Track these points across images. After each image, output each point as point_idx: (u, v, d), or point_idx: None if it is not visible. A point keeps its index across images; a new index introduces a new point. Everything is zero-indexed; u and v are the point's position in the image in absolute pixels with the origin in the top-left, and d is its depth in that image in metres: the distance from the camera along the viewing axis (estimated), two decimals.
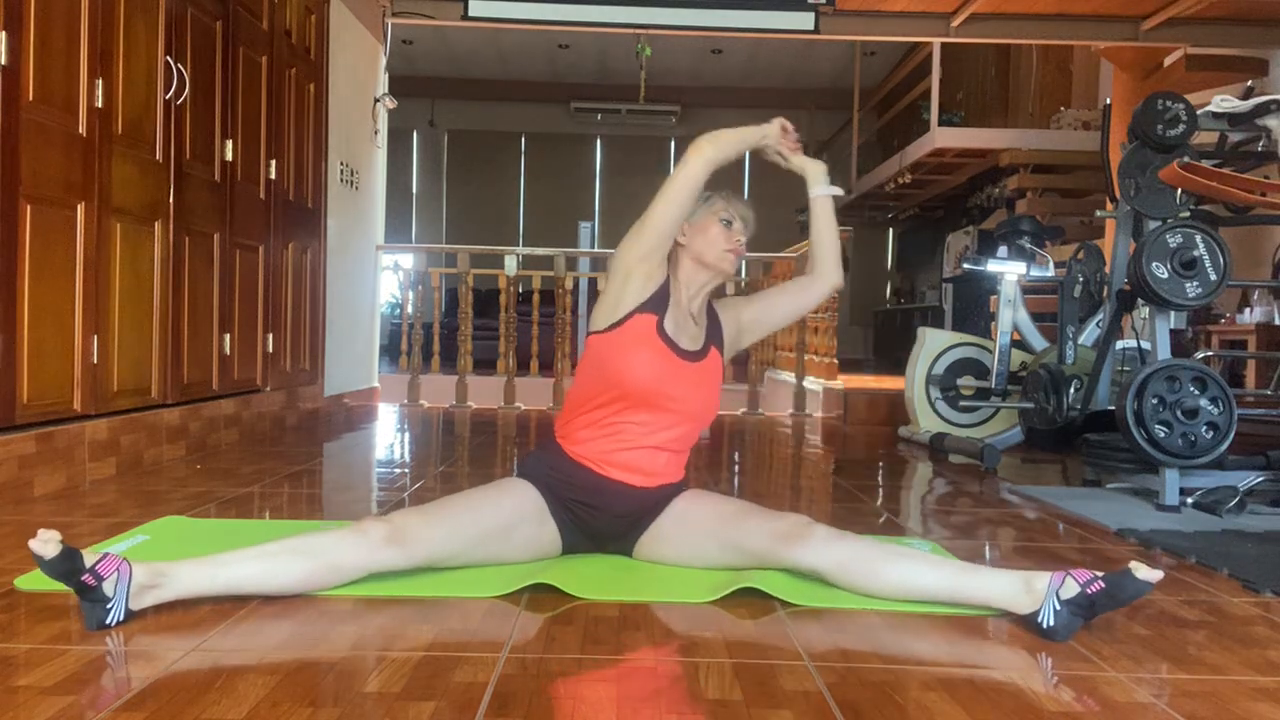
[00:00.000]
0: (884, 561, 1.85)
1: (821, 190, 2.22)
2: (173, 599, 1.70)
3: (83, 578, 1.58)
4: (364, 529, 1.84)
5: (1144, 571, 1.69)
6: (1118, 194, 3.49)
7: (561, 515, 2.04)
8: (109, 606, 1.61)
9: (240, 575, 1.74)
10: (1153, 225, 3.26)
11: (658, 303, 2.04)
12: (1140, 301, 3.35)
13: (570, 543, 2.08)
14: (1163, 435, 3.06)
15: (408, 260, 7.24)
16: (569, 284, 6.90)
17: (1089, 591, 1.69)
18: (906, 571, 1.84)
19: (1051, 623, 1.69)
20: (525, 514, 2.01)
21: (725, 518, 2.03)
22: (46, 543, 1.55)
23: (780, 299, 2.32)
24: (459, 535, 1.92)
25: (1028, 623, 1.73)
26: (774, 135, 2.16)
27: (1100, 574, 1.72)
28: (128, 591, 1.63)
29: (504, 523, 1.99)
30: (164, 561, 1.72)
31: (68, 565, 1.57)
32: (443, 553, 1.91)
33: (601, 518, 2.06)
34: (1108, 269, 3.73)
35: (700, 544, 2.04)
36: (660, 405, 2.01)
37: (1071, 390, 3.81)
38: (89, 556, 1.61)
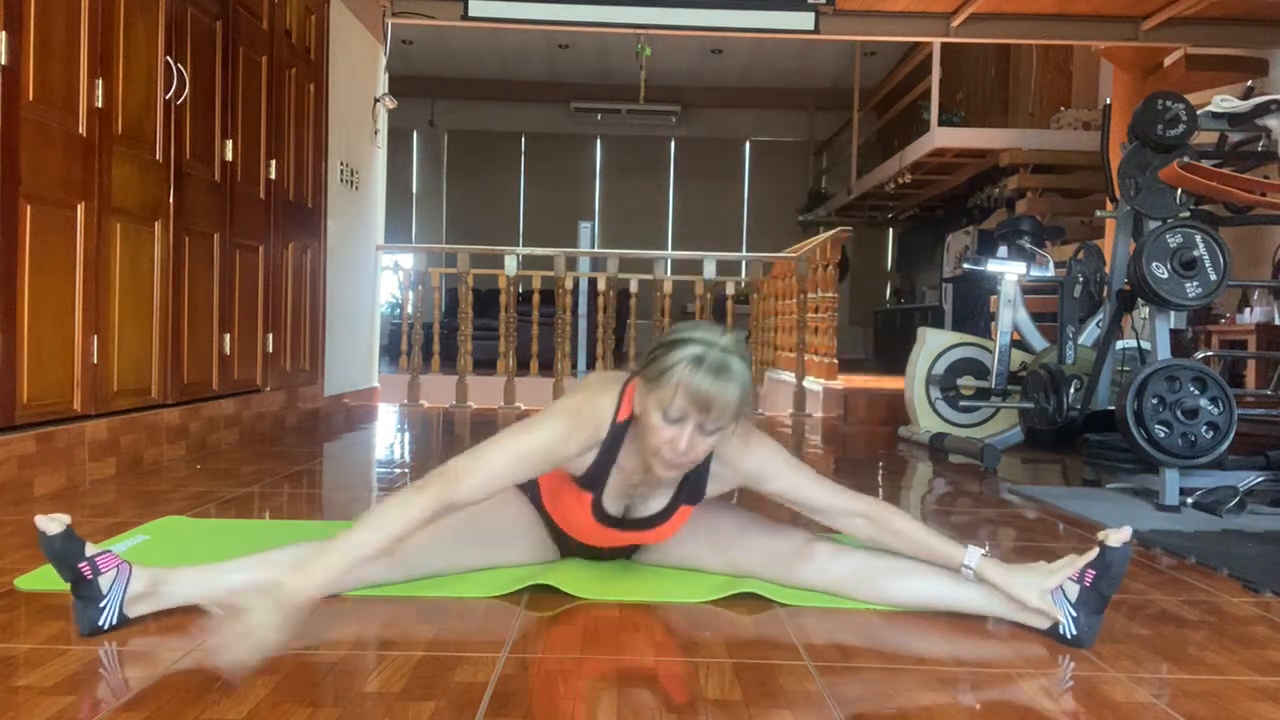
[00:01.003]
0: (884, 576, 1.85)
1: (973, 560, 1.78)
2: (170, 608, 1.68)
3: (80, 565, 1.56)
4: None
5: (1114, 538, 1.69)
6: (1118, 194, 3.49)
7: (558, 532, 2.03)
8: (102, 606, 1.58)
9: (240, 584, 1.72)
10: (1153, 225, 3.25)
11: (593, 479, 1.78)
12: (1140, 301, 3.35)
13: (568, 552, 2.08)
14: (1163, 435, 3.06)
15: (408, 260, 7.23)
16: (569, 284, 6.90)
17: (1087, 584, 1.69)
18: (907, 585, 1.83)
19: (1075, 631, 1.68)
20: (525, 526, 2.00)
21: (725, 532, 2.01)
22: (52, 519, 1.55)
23: (807, 505, 1.90)
24: (459, 550, 1.92)
25: (1049, 636, 1.71)
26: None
27: (1084, 563, 1.71)
28: (123, 595, 1.61)
29: (505, 536, 1.98)
30: (163, 568, 1.70)
31: (68, 546, 1.56)
32: (442, 566, 1.91)
33: (593, 550, 2.06)
34: (1108, 269, 3.73)
35: (699, 554, 2.03)
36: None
37: (1071, 390, 3.80)
38: (90, 549, 1.59)
